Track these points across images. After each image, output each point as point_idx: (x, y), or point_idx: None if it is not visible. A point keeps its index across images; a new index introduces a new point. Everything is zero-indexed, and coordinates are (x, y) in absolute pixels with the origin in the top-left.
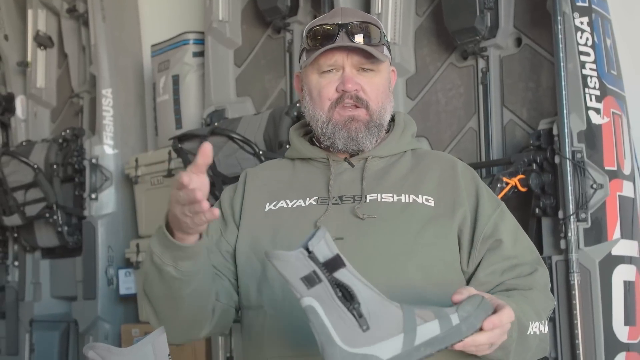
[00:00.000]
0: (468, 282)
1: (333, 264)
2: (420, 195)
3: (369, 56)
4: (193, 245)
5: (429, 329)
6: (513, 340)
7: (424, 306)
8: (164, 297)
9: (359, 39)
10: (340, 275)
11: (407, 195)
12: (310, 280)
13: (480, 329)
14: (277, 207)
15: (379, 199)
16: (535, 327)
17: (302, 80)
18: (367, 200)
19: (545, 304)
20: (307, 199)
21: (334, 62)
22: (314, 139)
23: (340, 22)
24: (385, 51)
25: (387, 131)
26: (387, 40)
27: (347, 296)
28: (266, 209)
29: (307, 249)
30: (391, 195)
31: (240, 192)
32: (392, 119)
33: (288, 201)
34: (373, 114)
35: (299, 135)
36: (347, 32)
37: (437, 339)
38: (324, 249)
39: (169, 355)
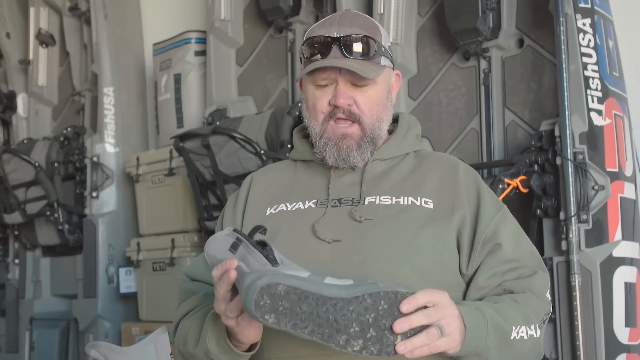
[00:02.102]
0: (468, 285)
1: (253, 232)
2: (419, 198)
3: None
4: (252, 353)
5: (340, 280)
6: (487, 346)
7: None
8: None
9: (356, 48)
10: (258, 237)
11: (405, 198)
12: (234, 246)
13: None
14: (277, 211)
15: (377, 202)
16: (523, 332)
17: (302, 87)
18: (366, 203)
19: (539, 308)
20: (307, 201)
21: (327, 76)
22: None
23: (334, 35)
24: (384, 60)
25: (390, 132)
26: (386, 47)
27: (262, 245)
28: (267, 213)
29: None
30: (390, 197)
31: (242, 200)
32: (396, 120)
33: (288, 204)
34: (366, 128)
35: (300, 137)
36: (339, 46)
37: (348, 285)
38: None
39: (170, 354)
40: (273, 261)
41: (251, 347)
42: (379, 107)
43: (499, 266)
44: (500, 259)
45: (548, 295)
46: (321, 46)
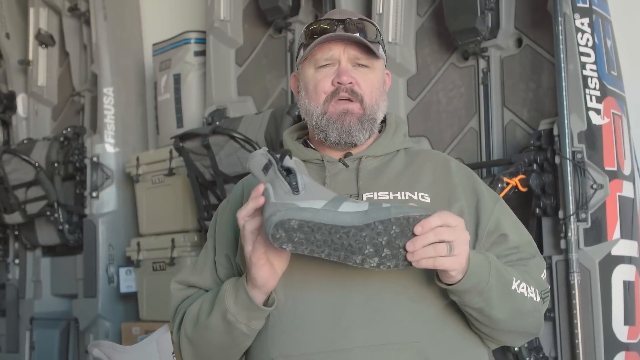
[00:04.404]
0: None
1: (282, 155)
2: (415, 192)
3: (365, 51)
4: (269, 308)
5: (356, 205)
6: (489, 285)
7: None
8: (222, 347)
9: (360, 29)
10: (287, 162)
11: (402, 193)
12: (266, 167)
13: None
14: None
15: (375, 197)
16: (523, 288)
17: (299, 78)
18: (364, 199)
19: (536, 281)
20: None
21: (330, 56)
22: (308, 141)
23: (338, 18)
24: (381, 50)
25: (379, 131)
26: (382, 40)
27: (287, 172)
28: None
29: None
30: (387, 193)
31: (237, 202)
32: (384, 120)
33: None
34: (367, 108)
35: (292, 138)
36: (344, 27)
37: (362, 212)
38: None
39: (172, 353)
40: (295, 189)
41: (267, 304)
42: (378, 92)
43: (502, 252)
44: (505, 247)
45: (544, 277)
46: (325, 29)
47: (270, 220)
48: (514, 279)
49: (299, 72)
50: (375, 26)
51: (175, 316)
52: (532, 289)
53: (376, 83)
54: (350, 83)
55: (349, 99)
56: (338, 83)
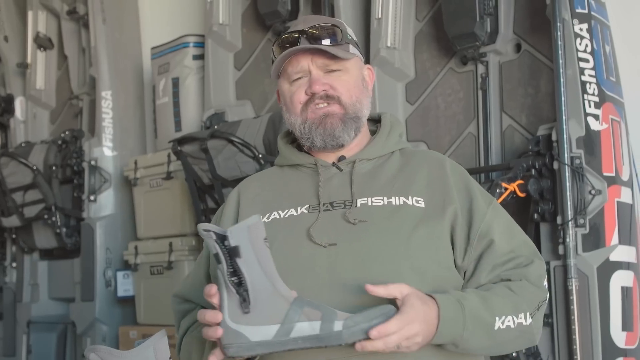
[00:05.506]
0: (466, 280)
1: (234, 252)
2: (410, 197)
3: (333, 56)
4: None
5: (308, 327)
6: (464, 338)
7: (319, 305)
8: None
9: (323, 36)
10: (239, 262)
11: (397, 198)
12: (217, 258)
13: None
14: (270, 219)
15: (369, 203)
16: (509, 321)
17: (279, 93)
18: (358, 205)
19: (533, 296)
20: (299, 207)
21: (300, 69)
22: (301, 145)
23: (300, 29)
24: (352, 49)
25: (374, 133)
26: (350, 38)
27: (238, 281)
28: None
29: (225, 234)
30: (381, 198)
31: (232, 211)
32: (379, 120)
33: (280, 212)
34: (347, 107)
35: (286, 142)
36: (307, 37)
37: (313, 337)
38: (241, 235)
39: (170, 358)
40: (244, 306)
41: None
42: (356, 90)
43: (497, 259)
44: (496, 254)
45: (545, 282)
46: (289, 41)
47: (226, 349)
48: (497, 318)
49: (278, 87)
50: (340, 28)
51: (178, 331)
52: (522, 314)
53: (352, 82)
54: (324, 90)
55: (326, 103)
56: (312, 93)
